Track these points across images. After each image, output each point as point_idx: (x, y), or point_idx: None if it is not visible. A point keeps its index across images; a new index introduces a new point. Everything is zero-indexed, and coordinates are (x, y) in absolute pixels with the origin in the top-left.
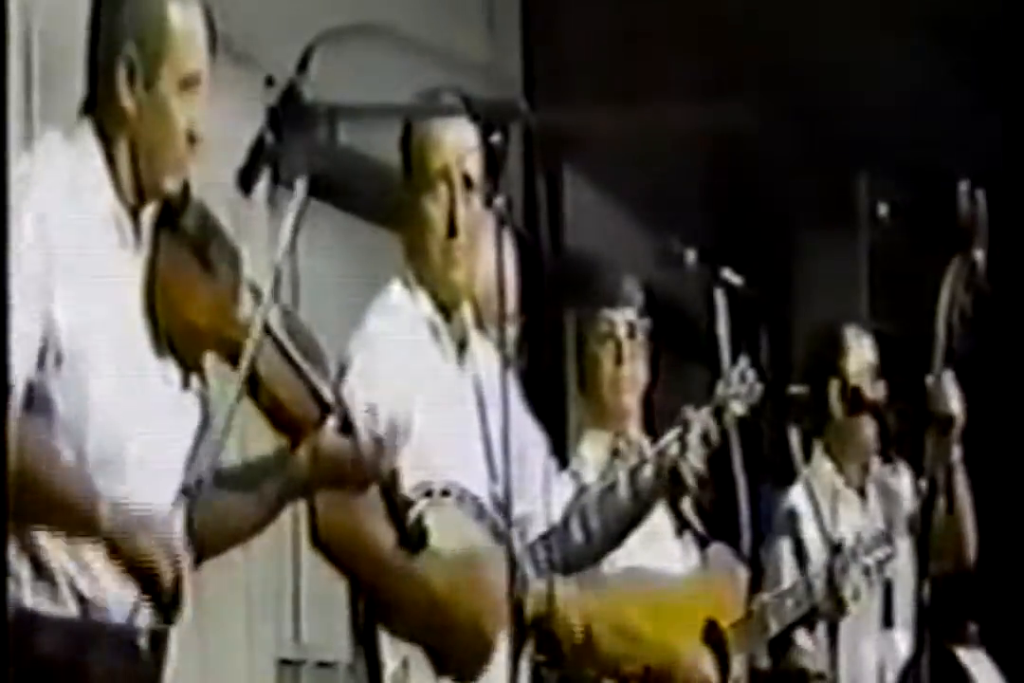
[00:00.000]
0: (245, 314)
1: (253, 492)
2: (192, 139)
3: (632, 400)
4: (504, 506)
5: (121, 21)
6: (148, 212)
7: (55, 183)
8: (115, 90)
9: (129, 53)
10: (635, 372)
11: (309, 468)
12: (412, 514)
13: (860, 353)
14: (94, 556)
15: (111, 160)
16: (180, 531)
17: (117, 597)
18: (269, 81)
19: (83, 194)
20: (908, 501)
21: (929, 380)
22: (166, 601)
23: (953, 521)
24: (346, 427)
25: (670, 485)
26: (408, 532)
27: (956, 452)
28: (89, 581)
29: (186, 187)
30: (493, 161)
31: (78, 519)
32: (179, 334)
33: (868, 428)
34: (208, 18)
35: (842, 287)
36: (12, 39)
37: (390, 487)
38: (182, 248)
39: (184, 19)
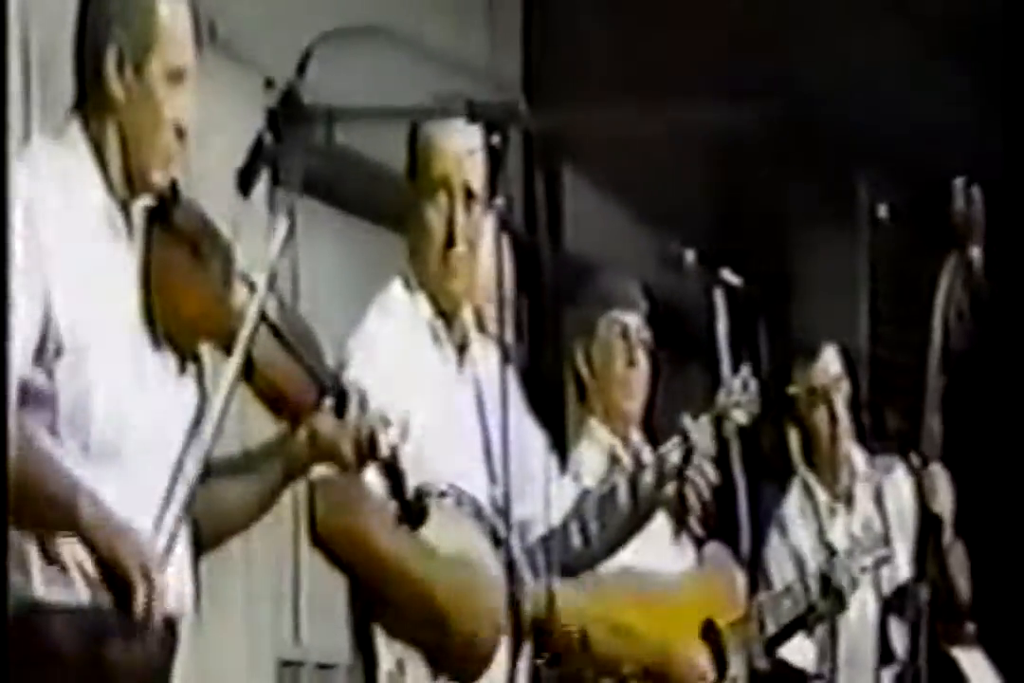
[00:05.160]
0: (239, 303)
1: (252, 476)
2: (180, 133)
3: (638, 404)
4: (503, 509)
5: (110, 12)
6: (139, 205)
7: (47, 181)
8: (104, 75)
9: (119, 39)
10: (643, 375)
11: (308, 449)
12: (411, 490)
13: (833, 364)
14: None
15: (100, 153)
16: (160, 543)
17: None
18: (268, 83)
19: (74, 189)
20: (906, 500)
21: (916, 464)
22: (137, 612)
23: (948, 589)
24: (342, 407)
25: (681, 497)
26: (410, 506)
27: (948, 536)
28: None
29: (175, 185)
30: (493, 163)
31: (57, 513)
32: (174, 325)
33: (844, 437)
34: (195, 14)
35: (842, 288)
36: (11, 38)
37: (391, 463)
38: (174, 242)
39: (172, 13)
